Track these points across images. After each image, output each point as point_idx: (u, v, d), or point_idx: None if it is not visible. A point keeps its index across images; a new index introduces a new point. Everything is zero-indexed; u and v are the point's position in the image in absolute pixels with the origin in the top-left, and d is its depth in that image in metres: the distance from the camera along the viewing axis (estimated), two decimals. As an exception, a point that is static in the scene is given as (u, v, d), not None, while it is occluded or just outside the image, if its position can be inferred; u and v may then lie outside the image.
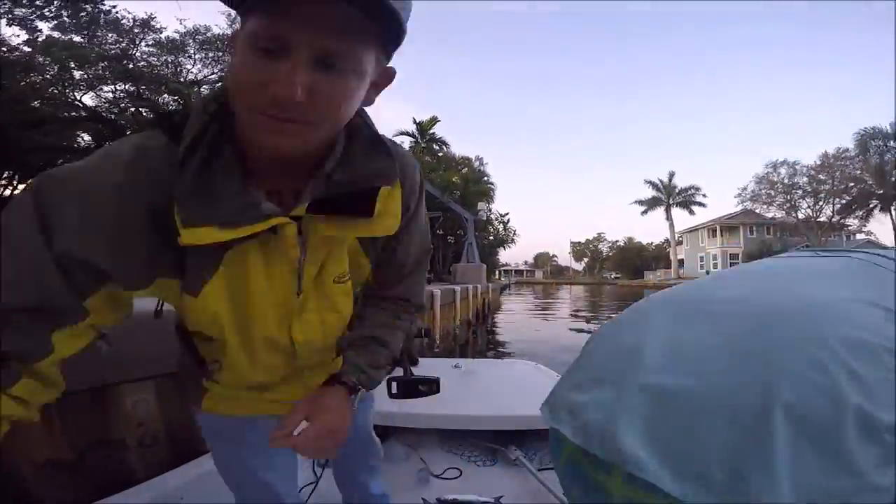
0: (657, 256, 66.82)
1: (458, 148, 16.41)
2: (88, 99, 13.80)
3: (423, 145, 25.87)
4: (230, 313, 0.65)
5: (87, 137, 14.35)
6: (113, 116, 13.95)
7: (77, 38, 12.73)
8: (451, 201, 17.95)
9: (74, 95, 13.39)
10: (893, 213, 28.85)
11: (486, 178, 30.91)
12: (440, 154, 27.23)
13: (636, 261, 70.53)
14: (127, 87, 14.04)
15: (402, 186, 0.67)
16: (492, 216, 30.47)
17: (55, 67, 12.22)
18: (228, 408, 0.84)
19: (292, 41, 0.48)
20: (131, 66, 13.61)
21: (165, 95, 14.31)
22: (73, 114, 13.22)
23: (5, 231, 0.51)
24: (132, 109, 13.68)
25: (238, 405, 0.84)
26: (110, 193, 0.52)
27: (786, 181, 31.88)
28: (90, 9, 12.57)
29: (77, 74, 12.87)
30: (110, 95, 14.16)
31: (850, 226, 32.64)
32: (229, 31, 14.71)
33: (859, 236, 35.48)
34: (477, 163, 31.25)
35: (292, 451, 0.68)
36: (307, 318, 0.71)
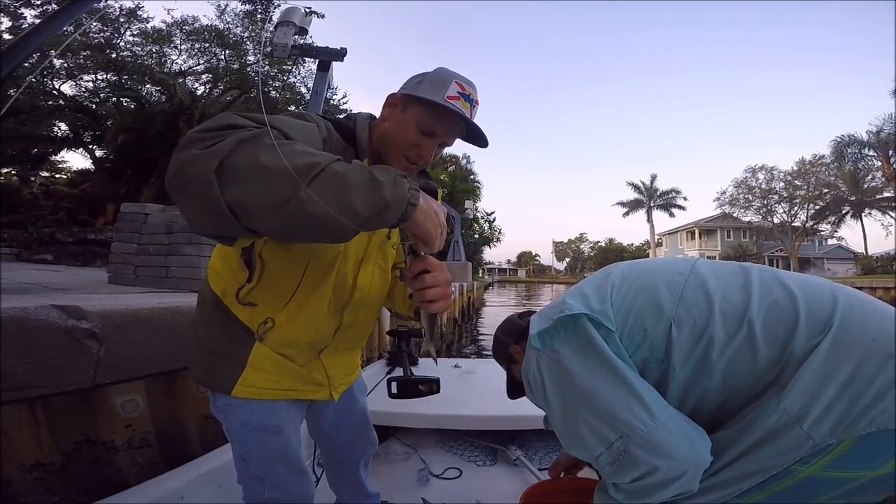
0: (637, 257, 67.06)
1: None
2: (68, 88, 13.38)
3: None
4: (334, 245, 0.92)
5: (64, 127, 13.90)
6: (94, 106, 13.54)
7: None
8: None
9: (53, 84, 12.95)
10: (864, 219, 29.78)
11: (472, 177, 31.00)
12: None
13: (616, 261, 70.74)
14: (109, 76, 13.63)
15: None
16: (478, 215, 30.56)
17: (35, 56, 11.78)
18: (262, 388, 0.97)
19: (438, 134, 0.94)
20: (115, 55, 13.20)
21: (149, 86, 13.96)
22: (51, 103, 12.76)
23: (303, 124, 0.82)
24: (113, 99, 13.27)
25: (274, 380, 0.98)
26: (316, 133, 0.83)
27: (763, 186, 32.61)
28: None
29: (57, 63, 12.44)
30: (90, 85, 13.74)
31: (822, 231, 33.53)
32: (218, 23, 14.42)
33: (831, 241, 36.57)
34: (464, 161, 31.31)
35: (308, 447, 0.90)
36: (368, 268, 1.02)
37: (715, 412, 0.84)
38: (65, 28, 1.84)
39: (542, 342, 0.91)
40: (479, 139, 0.97)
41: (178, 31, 14.48)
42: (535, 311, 1.13)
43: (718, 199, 35.02)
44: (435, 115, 0.91)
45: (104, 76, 13.75)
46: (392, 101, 0.97)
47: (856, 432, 0.69)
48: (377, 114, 1.02)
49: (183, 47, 14.76)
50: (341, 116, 1.03)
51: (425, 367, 2.47)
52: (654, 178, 42.18)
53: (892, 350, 0.71)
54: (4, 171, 14.39)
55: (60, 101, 13.05)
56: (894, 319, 0.77)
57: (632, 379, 0.82)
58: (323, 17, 11.89)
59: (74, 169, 16.68)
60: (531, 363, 0.93)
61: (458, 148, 43.85)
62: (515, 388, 1.21)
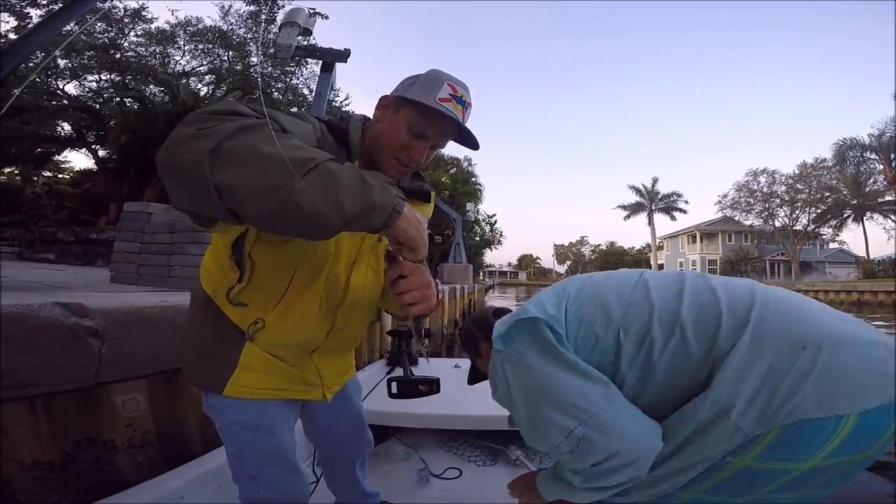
0: (639, 261, 67.43)
1: (447, 148, 16.95)
2: (71, 88, 13.44)
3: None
4: (324, 247, 0.93)
5: (67, 127, 13.96)
6: (97, 106, 13.59)
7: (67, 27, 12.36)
8: (440, 201, 17.93)
9: (57, 84, 13.00)
10: (865, 223, 29.73)
11: (473, 179, 31.01)
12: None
13: (618, 265, 71.22)
14: (113, 76, 13.69)
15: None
16: (479, 217, 30.55)
17: (39, 55, 11.83)
18: (253, 388, 0.97)
19: (429, 137, 0.92)
20: (118, 55, 13.26)
21: (152, 86, 14.01)
22: (55, 102, 12.81)
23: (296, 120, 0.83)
24: (117, 99, 13.31)
25: (265, 380, 0.98)
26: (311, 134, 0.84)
27: (765, 190, 32.61)
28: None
29: (61, 62, 12.49)
30: (94, 85, 13.80)
31: (824, 235, 33.50)
32: (222, 24, 14.48)
33: (832, 245, 36.51)
34: (465, 163, 31.29)
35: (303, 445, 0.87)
36: (361, 269, 1.03)
37: (666, 414, 0.90)
38: (67, 27, 1.85)
39: (504, 344, 0.99)
40: (470, 142, 0.95)
41: (181, 31, 14.58)
42: (509, 309, 1.19)
43: (720, 202, 35.14)
44: (426, 117, 0.89)
45: (108, 76, 13.85)
46: (384, 103, 0.95)
47: (779, 422, 0.73)
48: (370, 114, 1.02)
49: (187, 48, 14.89)
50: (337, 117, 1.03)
51: (425, 367, 2.47)
52: (655, 180, 42.20)
53: (804, 342, 0.76)
54: (7, 170, 14.45)
55: (64, 101, 13.13)
56: (809, 312, 0.84)
57: (587, 370, 0.89)
58: (327, 18, 11.95)
59: (77, 169, 16.79)
60: (496, 366, 1.01)
61: (460, 150, 43.77)
62: (476, 377, 1.35)
